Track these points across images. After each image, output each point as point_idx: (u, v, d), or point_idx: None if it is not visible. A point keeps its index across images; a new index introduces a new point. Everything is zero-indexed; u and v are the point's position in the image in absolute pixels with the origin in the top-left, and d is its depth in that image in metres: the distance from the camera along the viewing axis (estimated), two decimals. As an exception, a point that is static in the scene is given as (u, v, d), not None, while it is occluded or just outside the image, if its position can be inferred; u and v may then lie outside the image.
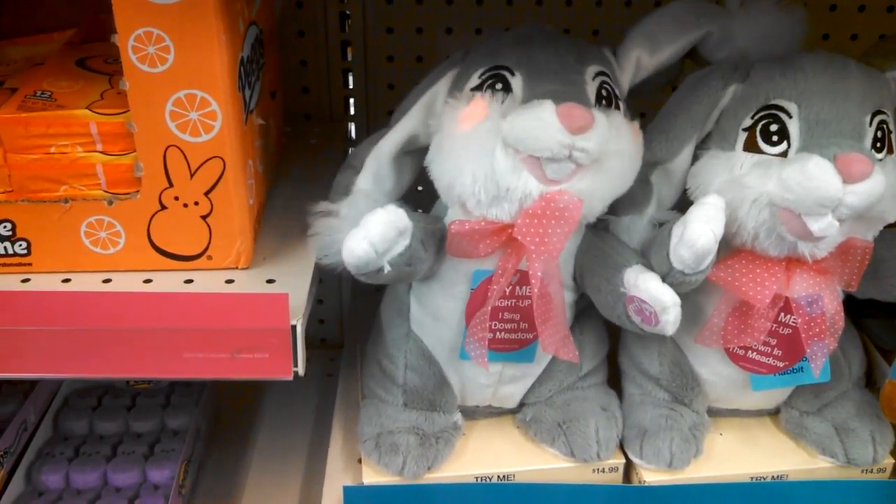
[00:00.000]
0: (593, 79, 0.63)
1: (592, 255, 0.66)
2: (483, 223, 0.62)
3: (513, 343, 0.68)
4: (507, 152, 0.59)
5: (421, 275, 0.66)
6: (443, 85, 0.65)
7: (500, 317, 0.66)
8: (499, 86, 0.62)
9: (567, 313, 0.69)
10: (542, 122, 0.57)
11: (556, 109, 0.57)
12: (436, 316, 0.69)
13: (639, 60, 0.67)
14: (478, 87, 0.63)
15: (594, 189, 0.61)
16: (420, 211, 0.67)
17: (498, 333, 0.67)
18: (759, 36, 0.66)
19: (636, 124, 0.64)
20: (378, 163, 0.66)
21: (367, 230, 0.57)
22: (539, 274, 0.61)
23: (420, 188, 0.70)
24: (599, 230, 0.68)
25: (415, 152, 0.66)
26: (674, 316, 0.59)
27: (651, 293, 0.59)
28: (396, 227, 0.58)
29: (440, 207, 0.68)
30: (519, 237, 0.60)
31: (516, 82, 0.62)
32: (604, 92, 0.63)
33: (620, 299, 0.62)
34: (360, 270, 0.59)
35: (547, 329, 0.64)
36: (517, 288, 0.65)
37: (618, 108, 0.64)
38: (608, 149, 0.59)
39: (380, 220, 0.58)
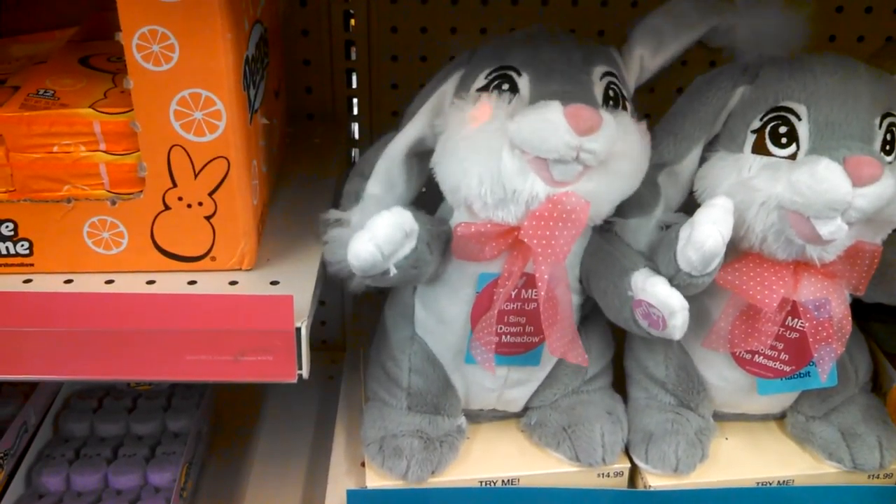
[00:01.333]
0: (601, 79, 0.63)
1: (599, 258, 0.65)
2: (489, 225, 0.62)
3: (518, 347, 0.67)
4: (514, 154, 0.59)
5: (426, 278, 0.65)
6: (450, 86, 0.65)
7: (505, 320, 0.65)
8: (505, 86, 0.62)
9: (573, 316, 0.68)
10: (550, 123, 0.56)
11: (564, 110, 0.56)
12: (441, 319, 0.68)
13: (642, 60, 0.67)
14: (484, 88, 0.62)
15: (601, 190, 0.61)
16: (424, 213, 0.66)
17: (504, 337, 0.66)
18: (762, 34, 0.65)
19: (643, 125, 0.64)
20: (388, 167, 0.65)
21: (373, 232, 0.57)
22: (546, 277, 0.61)
23: (424, 189, 0.69)
24: (606, 232, 0.67)
25: (424, 155, 0.66)
26: (681, 321, 0.59)
27: (659, 297, 0.59)
28: (403, 229, 0.58)
29: (445, 209, 0.68)
30: (525, 239, 0.60)
31: (523, 83, 0.61)
32: (611, 92, 0.63)
33: (627, 303, 0.61)
34: (366, 273, 0.58)
35: (554, 332, 0.64)
36: (523, 291, 0.64)
37: (625, 108, 0.64)
38: (616, 150, 0.59)
39: (386, 222, 0.57)
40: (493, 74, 0.62)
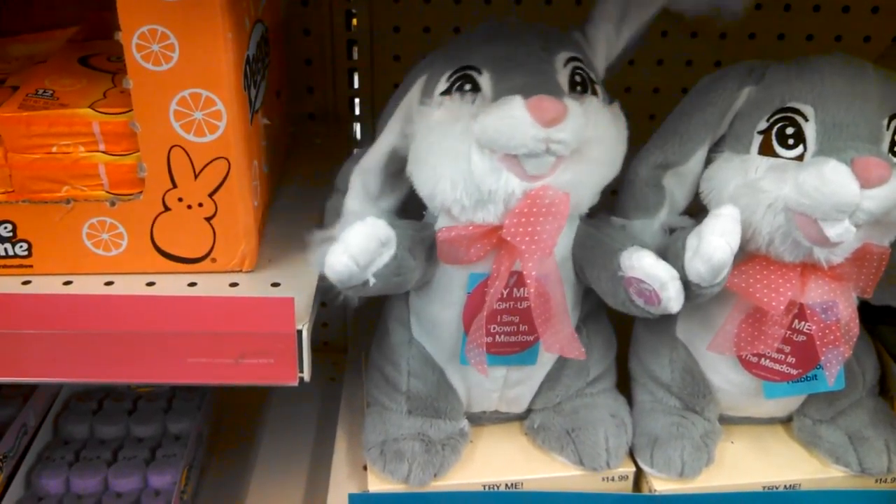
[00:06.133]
0: (564, 66, 0.62)
1: (588, 245, 0.65)
2: (471, 227, 0.61)
3: (513, 346, 0.66)
4: (483, 153, 0.58)
5: (413, 283, 0.64)
6: (415, 93, 0.64)
7: (498, 320, 0.65)
8: (467, 86, 0.61)
9: (573, 310, 0.68)
10: (513, 118, 0.55)
11: (526, 103, 0.55)
12: (434, 323, 0.68)
13: (608, 37, 0.65)
14: (447, 91, 0.62)
15: (579, 179, 0.60)
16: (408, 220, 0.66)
17: (498, 337, 0.65)
18: None
19: (616, 106, 0.63)
20: (364, 180, 0.65)
21: (346, 244, 0.56)
22: (534, 273, 0.60)
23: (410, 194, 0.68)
24: (594, 220, 0.66)
25: (403, 163, 0.64)
26: (674, 291, 0.58)
27: (646, 270, 0.58)
28: (377, 239, 0.57)
29: (430, 214, 0.67)
30: (508, 238, 0.59)
31: (484, 80, 0.60)
32: (577, 78, 0.62)
33: (620, 284, 0.60)
34: (345, 285, 0.57)
35: (548, 329, 0.63)
36: (514, 290, 0.63)
37: (594, 92, 0.63)
38: (586, 136, 0.58)
39: (359, 232, 0.56)
40: (455, 76, 0.61)
